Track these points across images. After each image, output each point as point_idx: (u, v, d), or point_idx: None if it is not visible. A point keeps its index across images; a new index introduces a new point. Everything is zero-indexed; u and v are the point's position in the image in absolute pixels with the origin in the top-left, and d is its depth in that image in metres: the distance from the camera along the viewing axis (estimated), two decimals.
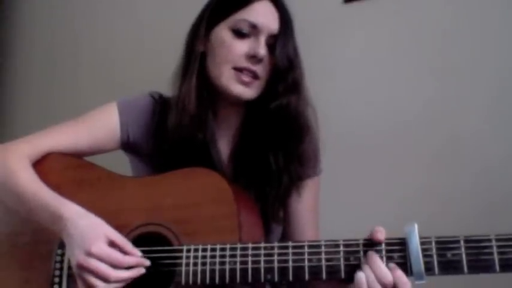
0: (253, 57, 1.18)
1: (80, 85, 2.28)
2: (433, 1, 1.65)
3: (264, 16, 1.20)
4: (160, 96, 1.31)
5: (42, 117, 1.99)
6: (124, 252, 1.04)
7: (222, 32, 1.21)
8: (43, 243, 1.15)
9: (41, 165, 1.20)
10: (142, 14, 2.18)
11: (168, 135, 1.22)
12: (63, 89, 2.32)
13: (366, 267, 0.93)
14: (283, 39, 1.21)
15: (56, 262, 1.12)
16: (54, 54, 2.38)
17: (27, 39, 2.48)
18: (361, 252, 0.95)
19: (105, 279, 1.01)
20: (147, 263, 1.05)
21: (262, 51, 1.18)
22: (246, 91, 1.20)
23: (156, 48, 2.02)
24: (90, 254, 1.01)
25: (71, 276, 1.10)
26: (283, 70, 1.20)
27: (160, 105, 1.28)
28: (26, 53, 2.48)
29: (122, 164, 1.31)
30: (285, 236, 1.30)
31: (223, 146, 1.28)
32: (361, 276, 0.92)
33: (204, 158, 1.20)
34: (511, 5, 1.54)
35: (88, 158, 1.26)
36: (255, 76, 1.19)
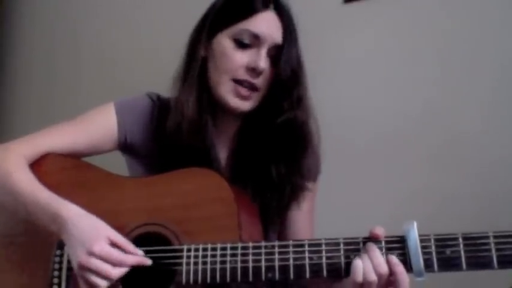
0: (253, 70, 1.17)
1: (79, 85, 2.28)
2: (432, 1, 1.66)
3: (267, 27, 1.19)
4: (158, 97, 1.30)
5: (42, 117, 2.00)
6: (126, 252, 1.04)
7: (224, 41, 1.20)
8: (42, 244, 1.14)
9: (39, 165, 1.20)
10: (142, 15, 2.18)
11: (166, 138, 1.21)
12: (63, 89, 2.33)
13: (364, 256, 0.94)
14: (286, 51, 1.19)
15: (54, 263, 1.12)
16: (54, 54, 2.39)
17: (27, 39, 2.48)
18: (361, 250, 0.95)
19: (107, 278, 1.01)
20: (149, 261, 1.05)
21: (263, 64, 1.17)
22: (243, 104, 1.19)
23: (156, 49, 2.03)
24: (92, 254, 1.01)
25: (70, 277, 1.10)
26: (288, 84, 1.19)
27: (159, 106, 1.27)
28: (26, 53, 2.48)
29: (120, 165, 1.31)
30: (279, 239, 1.29)
31: (221, 152, 1.28)
32: (358, 263, 0.93)
33: (203, 162, 1.18)
34: (510, 5, 1.54)
35: (86, 159, 1.26)
36: (253, 88, 1.19)
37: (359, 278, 0.93)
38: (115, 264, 1.01)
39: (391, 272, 0.92)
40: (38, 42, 2.46)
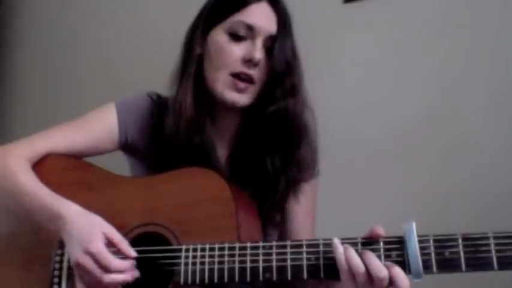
0: (249, 61, 1.17)
1: (80, 85, 2.28)
2: (432, 1, 1.65)
3: (261, 18, 1.19)
4: (159, 97, 1.30)
5: (42, 118, 2.00)
6: (119, 250, 1.04)
7: (219, 36, 1.20)
8: (42, 243, 1.15)
9: (41, 166, 1.21)
10: (142, 14, 2.19)
11: (166, 138, 1.21)
12: (63, 89, 2.33)
13: (347, 249, 0.92)
14: (280, 41, 1.19)
15: (55, 262, 1.12)
16: (54, 55, 2.39)
17: (27, 40, 2.49)
18: (360, 251, 0.94)
19: (100, 280, 1.01)
20: (137, 273, 1.05)
21: (258, 54, 1.17)
22: (241, 98, 1.19)
23: (156, 49, 2.02)
24: (88, 253, 1.01)
25: (70, 277, 1.10)
26: (281, 74, 1.19)
27: (159, 106, 1.27)
28: (26, 53, 2.48)
29: (121, 165, 1.31)
30: (280, 239, 1.29)
31: (220, 150, 1.28)
32: (340, 256, 0.92)
33: (202, 161, 1.18)
34: (510, 5, 1.54)
35: (87, 159, 1.26)
36: (250, 80, 1.18)
37: (345, 267, 0.91)
38: (102, 267, 1.01)
39: (389, 275, 0.90)
40: (38, 42, 2.46)
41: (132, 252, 1.05)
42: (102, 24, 2.28)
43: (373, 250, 0.93)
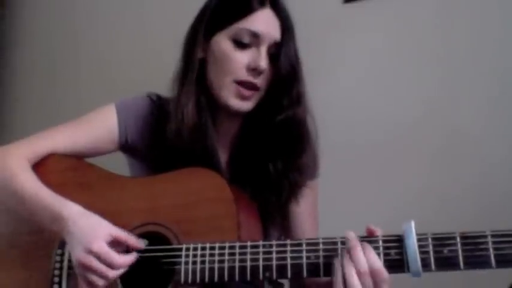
0: (254, 70, 1.16)
1: (79, 85, 2.28)
2: (432, 1, 1.65)
3: (266, 25, 1.18)
4: (159, 98, 1.30)
5: (42, 118, 1.99)
6: (128, 246, 1.05)
7: (222, 42, 1.19)
8: (43, 243, 1.15)
9: (41, 166, 1.21)
10: (142, 14, 2.19)
11: (167, 141, 1.21)
12: (63, 89, 2.33)
13: (345, 258, 0.93)
14: (285, 48, 1.19)
15: (55, 262, 1.13)
16: (55, 55, 2.39)
17: (27, 40, 2.48)
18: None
19: (105, 278, 1.02)
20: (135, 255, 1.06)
21: (263, 63, 1.16)
22: (244, 104, 1.19)
23: (156, 49, 2.02)
24: (90, 252, 1.01)
25: (70, 276, 1.10)
26: (288, 81, 1.19)
27: (159, 106, 1.27)
28: (26, 53, 2.48)
29: (121, 165, 1.31)
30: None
31: (221, 153, 1.27)
32: (337, 266, 0.93)
33: (203, 164, 1.17)
34: (511, 5, 1.54)
35: (88, 159, 1.26)
36: (255, 88, 1.18)
37: (339, 279, 0.92)
38: (107, 265, 1.01)
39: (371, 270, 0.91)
40: (38, 42, 2.46)
41: (141, 244, 1.06)
42: (102, 24, 2.27)
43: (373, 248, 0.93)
